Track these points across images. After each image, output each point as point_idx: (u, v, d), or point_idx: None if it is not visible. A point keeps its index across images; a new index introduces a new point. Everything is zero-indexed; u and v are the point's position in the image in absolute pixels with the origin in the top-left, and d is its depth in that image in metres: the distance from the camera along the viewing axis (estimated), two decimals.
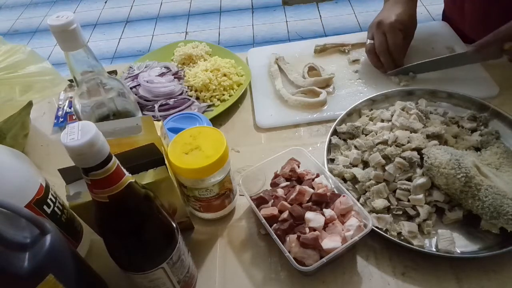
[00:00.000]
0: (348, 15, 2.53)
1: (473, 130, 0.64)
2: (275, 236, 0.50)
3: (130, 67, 0.87)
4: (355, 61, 0.84)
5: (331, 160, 0.63)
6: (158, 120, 0.52)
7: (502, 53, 0.69)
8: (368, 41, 0.80)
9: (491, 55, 0.71)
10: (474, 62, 0.75)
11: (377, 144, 0.60)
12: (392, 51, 0.76)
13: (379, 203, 0.55)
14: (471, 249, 0.52)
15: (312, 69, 0.83)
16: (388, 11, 0.78)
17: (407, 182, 0.56)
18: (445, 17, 0.98)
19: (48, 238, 0.38)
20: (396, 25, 0.75)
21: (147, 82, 0.79)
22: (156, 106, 0.76)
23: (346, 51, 0.87)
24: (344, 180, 0.60)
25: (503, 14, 0.69)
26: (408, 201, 0.55)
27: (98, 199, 0.35)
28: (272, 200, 0.55)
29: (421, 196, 0.54)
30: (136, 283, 0.44)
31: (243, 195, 0.57)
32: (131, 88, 0.81)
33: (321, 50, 0.87)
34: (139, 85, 0.81)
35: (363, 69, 0.82)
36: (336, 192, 0.55)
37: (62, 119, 0.80)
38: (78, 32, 0.43)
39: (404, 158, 0.57)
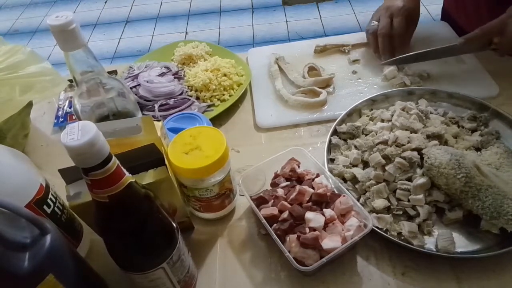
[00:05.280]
0: (348, 15, 2.54)
1: (473, 130, 0.64)
2: (275, 236, 0.50)
3: (130, 67, 0.87)
4: (355, 61, 0.84)
5: (331, 160, 0.63)
6: (158, 120, 0.52)
7: (489, 46, 0.72)
8: (373, 23, 0.81)
9: (479, 47, 0.74)
10: (462, 53, 0.78)
11: (377, 144, 0.60)
12: (395, 35, 0.78)
13: (379, 203, 0.55)
14: (471, 249, 0.52)
15: (312, 69, 0.82)
16: None
17: (407, 182, 0.56)
18: (444, 14, 0.98)
19: (48, 238, 0.38)
20: (403, 11, 0.77)
21: (147, 82, 0.79)
22: (156, 106, 0.76)
23: (346, 51, 0.87)
24: (344, 180, 0.60)
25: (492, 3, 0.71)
26: (408, 201, 0.55)
27: (98, 199, 0.35)
28: (272, 200, 0.55)
29: (421, 196, 0.54)
30: (136, 283, 0.44)
31: (243, 195, 0.57)
32: (131, 88, 0.81)
33: (322, 51, 0.87)
34: (139, 85, 0.81)
35: (363, 69, 0.82)
36: (336, 192, 0.55)
37: (62, 119, 0.80)
38: (78, 32, 0.43)
39: (404, 158, 0.57)
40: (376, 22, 0.80)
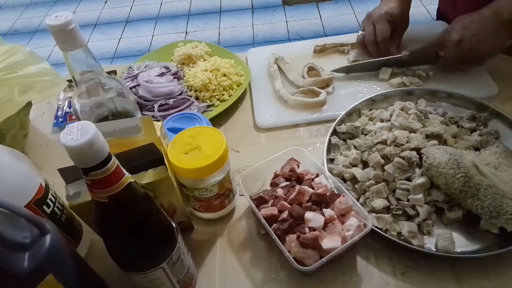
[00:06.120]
0: (348, 15, 2.54)
1: (472, 130, 0.64)
2: (275, 236, 0.50)
3: (130, 67, 0.87)
4: (355, 61, 0.84)
5: (330, 160, 0.63)
6: (158, 120, 0.52)
7: (438, 59, 0.75)
8: (360, 33, 0.84)
9: (427, 60, 0.77)
10: (412, 65, 0.79)
11: (376, 144, 0.60)
12: (379, 41, 0.79)
13: (379, 203, 0.55)
14: (470, 249, 0.52)
15: (311, 69, 0.83)
16: (381, 5, 0.82)
17: (406, 182, 0.56)
18: (439, 15, 0.98)
19: (47, 238, 0.38)
20: (385, 16, 0.79)
21: (146, 82, 0.79)
22: (156, 106, 0.76)
23: (346, 51, 0.87)
24: (344, 180, 0.60)
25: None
26: (408, 201, 0.55)
27: (98, 199, 0.35)
28: (272, 200, 0.55)
29: (420, 196, 0.54)
30: (136, 283, 0.44)
31: (243, 195, 0.57)
32: (130, 88, 0.81)
33: (321, 50, 0.87)
34: (138, 85, 0.81)
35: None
36: (336, 192, 0.55)
37: (61, 119, 0.80)
38: (77, 32, 0.43)
39: (403, 158, 0.57)
40: (362, 32, 0.83)
